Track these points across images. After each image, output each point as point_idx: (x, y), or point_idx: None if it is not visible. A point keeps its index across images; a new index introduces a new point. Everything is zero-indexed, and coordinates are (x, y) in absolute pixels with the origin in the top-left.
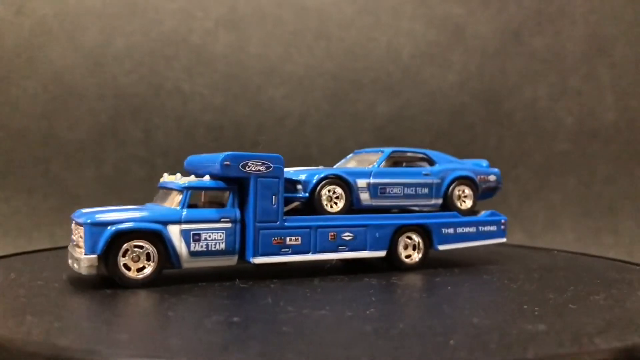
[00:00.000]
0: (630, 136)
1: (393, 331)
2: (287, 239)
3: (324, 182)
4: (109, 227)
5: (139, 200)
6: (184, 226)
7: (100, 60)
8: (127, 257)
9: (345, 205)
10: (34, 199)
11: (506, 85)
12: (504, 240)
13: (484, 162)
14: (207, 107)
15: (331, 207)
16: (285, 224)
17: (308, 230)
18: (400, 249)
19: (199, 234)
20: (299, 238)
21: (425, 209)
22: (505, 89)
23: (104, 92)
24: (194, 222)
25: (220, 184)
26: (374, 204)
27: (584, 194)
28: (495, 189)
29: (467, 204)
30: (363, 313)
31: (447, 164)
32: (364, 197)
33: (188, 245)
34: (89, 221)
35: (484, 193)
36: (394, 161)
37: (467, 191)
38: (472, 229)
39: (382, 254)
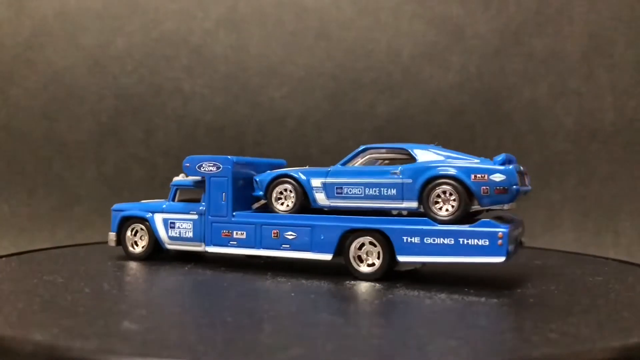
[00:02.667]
0: (629, 136)
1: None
2: (234, 232)
3: (275, 182)
4: (119, 213)
5: (139, 200)
6: (165, 215)
7: (101, 61)
8: (137, 237)
9: (295, 204)
10: (35, 199)
11: (506, 85)
12: (501, 259)
13: (499, 157)
14: (207, 107)
15: (287, 206)
16: (233, 218)
17: (253, 226)
18: (353, 254)
19: (174, 223)
20: (244, 233)
21: (404, 212)
22: (505, 89)
23: (104, 92)
24: (171, 212)
25: (197, 182)
26: (331, 204)
27: (583, 194)
28: (507, 192)
29: (451, 209)
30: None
31: (431, 161)
32: (320, 197)
33: (167, 230)
34: (113, 208)
35: (489, 197)
36: (374, 158)
37: (453, 194)
38: (449, 241)
39: (327, 257)
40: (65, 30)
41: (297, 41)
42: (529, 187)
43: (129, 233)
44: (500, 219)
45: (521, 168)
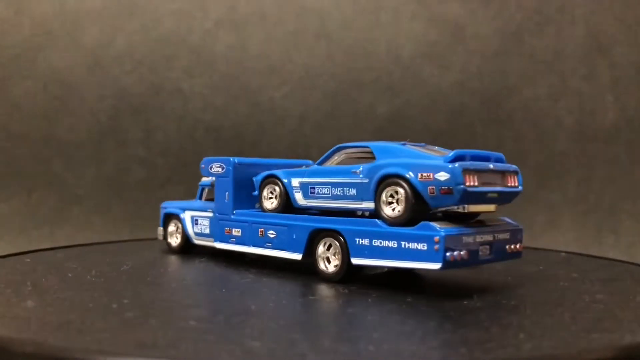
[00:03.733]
0: (630, 136)
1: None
2: (233, 230)
3: (265, 182)
4: (164, 210)
5: (139, 200)
6: (192, 213)
7: (100, 60)
8: (177, 232)
9: (279, 204)
10: (34, 199)
11: (506, 85)
12: (437, 266)
13: (450, 154)
14: (207, 107)
15: (275, 205)
16: (233, 216)
17: (246, 224)
18: (322, 255)
19: (197, 220)
20: (240, 230)
21: (367, 213)
22: (505, 89)
23: (104, 92)
24: (195, 210)
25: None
26: (308, 204)
27: (584, 194)
28: (452, 192)
29: (399, 210)
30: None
31: (389, 159)
32: (298, 196)
33: (193, 227)
34: (161, 205)
35: (435, 198)
36: (347, 157)
37: (402, 194)
38: (393, 244)
39: (297, 256)
40: (65, 30)
41: (297, 41)
42: (518, 188)
43: (170, 228)
44: (483, 223)
45: (494, 166)
